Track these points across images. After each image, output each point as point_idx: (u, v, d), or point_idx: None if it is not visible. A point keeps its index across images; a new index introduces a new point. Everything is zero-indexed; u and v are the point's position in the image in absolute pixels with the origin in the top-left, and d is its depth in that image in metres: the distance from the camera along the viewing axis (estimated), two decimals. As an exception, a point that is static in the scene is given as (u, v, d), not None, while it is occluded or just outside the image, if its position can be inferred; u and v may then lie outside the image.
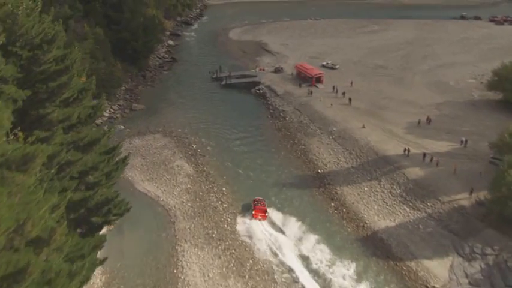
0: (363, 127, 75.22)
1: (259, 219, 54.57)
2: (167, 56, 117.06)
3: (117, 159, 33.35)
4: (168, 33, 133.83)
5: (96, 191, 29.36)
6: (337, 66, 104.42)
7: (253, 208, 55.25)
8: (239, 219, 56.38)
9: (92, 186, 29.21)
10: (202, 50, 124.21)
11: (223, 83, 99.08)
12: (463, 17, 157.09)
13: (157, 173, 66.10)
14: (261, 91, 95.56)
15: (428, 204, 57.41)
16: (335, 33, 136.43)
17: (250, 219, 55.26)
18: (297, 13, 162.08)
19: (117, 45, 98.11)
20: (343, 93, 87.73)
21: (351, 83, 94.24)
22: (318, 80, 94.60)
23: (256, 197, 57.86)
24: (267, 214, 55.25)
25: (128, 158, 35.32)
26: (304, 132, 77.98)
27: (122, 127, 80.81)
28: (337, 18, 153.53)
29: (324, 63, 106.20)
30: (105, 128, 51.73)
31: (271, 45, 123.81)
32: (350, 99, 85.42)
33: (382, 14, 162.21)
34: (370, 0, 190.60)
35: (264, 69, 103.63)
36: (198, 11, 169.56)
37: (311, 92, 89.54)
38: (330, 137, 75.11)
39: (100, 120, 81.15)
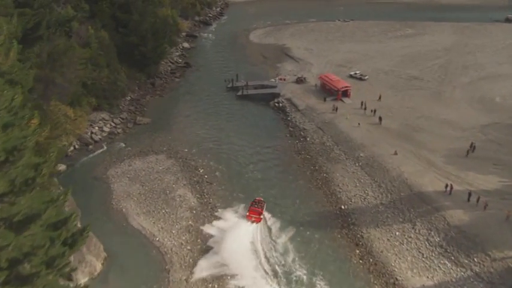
0: (395, 153, 66.10)
1: (253, 221, 53.56)
2: (180, 60, 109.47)
3: (71, 232, 25.28)
4: (183, 34, 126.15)
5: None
6: (366, 77, 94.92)
7: (249, 209, 55.12)
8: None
9: (27, 280, 21.39)
10: (219, 54, 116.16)
11: (239, 93, 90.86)
12: (508, 20, 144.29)
13: (156, 204, 58.48)
14: (281, 104, 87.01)
15: (475, 259, 48.20)
16: (364, 37, 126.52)
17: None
18: (324, 13, 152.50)
19: (124, 50, 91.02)
20: (373, 111, 78.34)
21: (379, 97, 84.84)
22: (345, 93, 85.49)
23: (257, 198, 57.73)
24: (261, 217, 54.37)
25: (88, 229, 26.79)
26: (327, 157, 69.24)
27: (123, 145, 73.60)
28: (367, 20, 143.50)
29: (352, 73, 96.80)
30: (59, 190, 43.73)
31: (294, 50, 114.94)
32: (380, 118, 76.10)
33: (416, 15, 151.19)
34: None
35: (285, 79, 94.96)
36: (218, 9, 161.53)
37: (336, 108, 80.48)
38: (357, 164, 66.25)
39: (99, 137, 74.40)
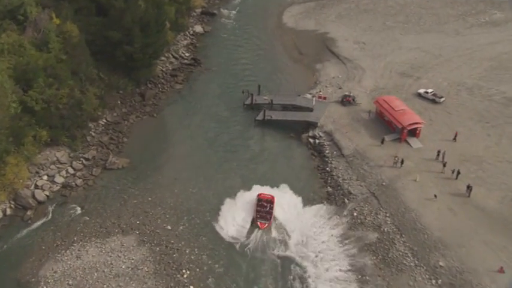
0: (501, 271, 41.87)
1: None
2: (187, 55, 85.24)
3: None
4: (197, 12, 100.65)
5: None
6: (442, 99, 68.64)
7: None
8: None
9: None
10: (239, 45, 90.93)
11: (260, 118, 66.63)
12: None
13: None
14: (318, 142, 62.95)
15: None
16: (436, 24, 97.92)
17: None
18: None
19: (105, 48, 67.51)
20: (455, 172, 53.43)
21: (455, 136, 59.93)
22: (412, 132, 60.04)
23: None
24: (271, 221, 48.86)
25: None
26: (384, 257, 45.77)
27: (79, 211, 52.17)
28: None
29: (422, 91, 70.74)
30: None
31: (340, 44, 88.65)
32: (470, 188, 50.94)
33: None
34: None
35: (325, 98, 69.78)
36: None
37: (401, 161, 55.39)
38: (433, 283, 42.23)
39: (46, 193, 53.21)
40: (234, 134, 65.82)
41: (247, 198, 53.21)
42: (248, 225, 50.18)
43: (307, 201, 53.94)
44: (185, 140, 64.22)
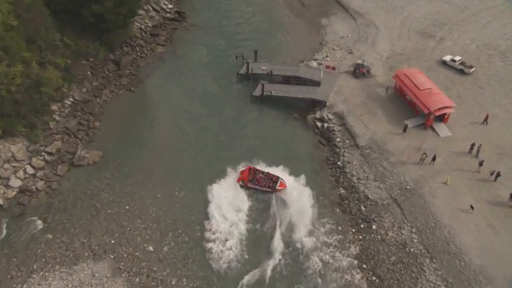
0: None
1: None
2: (170, 7, 72.73)
3: None
4: None
5: None
6: (472, 70, 58.36)
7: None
8: None
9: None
10: (232, -6, 77.87)
11: (258, 94, 56.50)
12: None
13: None
14: (326, 126, 52.93)
15: None
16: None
17: None
18: None
19: (67, 7, 55.81)
20: (494, 174, 44.54)
21: (485, 118, 51.33)
22: (441, 117, 50.53)
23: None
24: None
25: None
26: (412, 283, 37.70)
27: (40, 225, 43.49)
28: None
29: (448, 58, 60.07)
30: None
31: (350, -8, 75.94)
32: (513, 196, 42.61)
33: None
34: None
35: (334, 68, 59.15)
36: None
37: (432, 158, 46.42)
38: (474, 328, 34.86)
39: None
40: (227, 115, 55.82)
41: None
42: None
43: (317, 210, 45.08)
44: (169, 125, 54.36)
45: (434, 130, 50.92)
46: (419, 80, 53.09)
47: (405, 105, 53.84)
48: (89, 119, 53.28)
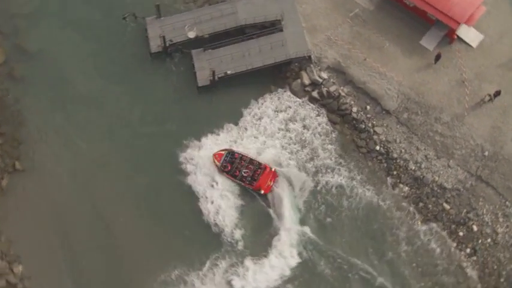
0: None
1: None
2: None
3: None
4: None
5: None
6: None
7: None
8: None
9: None
10: None
11: (206, 83, 37.73)
12: None
13: None
14: (325, 94, 38.12)
15: None
16: None
17: None
18: None
19: None
20: None
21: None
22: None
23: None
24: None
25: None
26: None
27: None
28: None
29: None
30: None
31: None
32: None
33: None
34: None
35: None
36: None
37: (494, 94, 35.21)
38: None
39: None
40: (163, 150, 36.87)
41: None
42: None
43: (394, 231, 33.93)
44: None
45: (461, 40, 37.66)
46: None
47: (404, 11, 38.58)
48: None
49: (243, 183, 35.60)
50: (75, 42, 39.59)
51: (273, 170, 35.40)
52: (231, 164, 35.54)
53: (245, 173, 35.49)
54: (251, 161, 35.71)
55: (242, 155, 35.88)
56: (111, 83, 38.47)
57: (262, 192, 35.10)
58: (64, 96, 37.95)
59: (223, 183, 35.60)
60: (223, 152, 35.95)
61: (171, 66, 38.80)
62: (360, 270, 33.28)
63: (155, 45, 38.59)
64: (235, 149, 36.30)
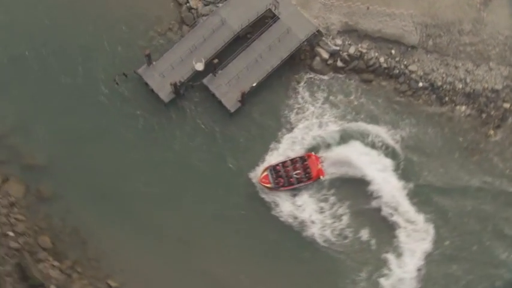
0: None
1: None
2: None
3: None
4: None
5: None
6: None
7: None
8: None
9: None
10: None
11: (234, 108, 36.39)
12: None
13: None
14: (349, 57, 37.46)
15: None
16: None
17: None
18: None
19: None
20: None
21: None
22: None
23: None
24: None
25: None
26: None
27: None
28: None
29: None
30: None
31: None
32: None
33: None
34: None
35: None
36: None
37: None
38: None
39: None
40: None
41: None
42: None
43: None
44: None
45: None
46: None
47: None
48: None
49: (303, 184, 34.82)
50: (85, 137, 35.82)
51: (312, 153, 34.93)
52: (281, 177, 34.58)
53: (298, 174, 34.66)
54: (292, 161, 34.85)
55: (282, 163, 34.86)
56: (151, 163, 35.56)
57: (322, 177, 34.65)
58: (107, 191, 34.98)
59: (304, 200, 35.10)
60: (266, 173, 34.70)
61: (192, 107, 36.26)
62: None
63: (166, 94, 35.78)
64: (272, 162, 35.04)
